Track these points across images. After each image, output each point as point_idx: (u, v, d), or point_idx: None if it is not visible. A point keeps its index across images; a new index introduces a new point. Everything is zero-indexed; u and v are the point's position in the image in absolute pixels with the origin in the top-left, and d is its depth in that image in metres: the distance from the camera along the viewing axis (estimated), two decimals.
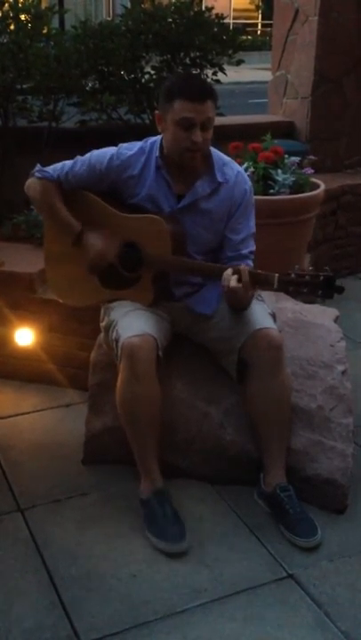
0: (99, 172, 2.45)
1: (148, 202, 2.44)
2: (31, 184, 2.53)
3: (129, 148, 2.47)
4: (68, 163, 2.50)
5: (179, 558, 2.21)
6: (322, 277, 2.19)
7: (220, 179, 2.44)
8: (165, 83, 2.47)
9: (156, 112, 2.41)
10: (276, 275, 2.23)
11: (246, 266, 2.31)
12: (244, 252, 2.50)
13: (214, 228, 2.48)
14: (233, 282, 2.25)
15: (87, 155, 2.49)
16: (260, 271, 2.28)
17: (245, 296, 2.29)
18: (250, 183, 2.54)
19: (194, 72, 2.28)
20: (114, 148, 2.48)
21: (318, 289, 2.20)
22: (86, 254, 2.48)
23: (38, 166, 2.52)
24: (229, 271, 2.28)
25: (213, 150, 2.47)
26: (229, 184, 2.46)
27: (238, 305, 2.37)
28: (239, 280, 2.25)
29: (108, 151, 2.47)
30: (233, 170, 2.50)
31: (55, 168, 2.50)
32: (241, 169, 2.56)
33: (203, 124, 2.31)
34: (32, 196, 2.55)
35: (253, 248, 2.54)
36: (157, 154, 2.42)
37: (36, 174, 2.50)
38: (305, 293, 2.22)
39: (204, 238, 2.49)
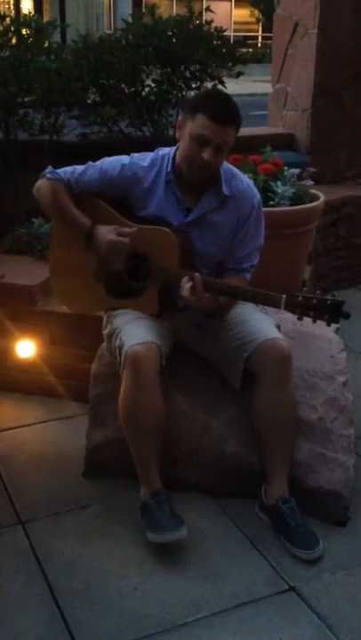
0: (109, 180, 2.45)
1: (157, 215, 2.43)
2: (41, 185, 2.50)
3: (141, 160, 2.46)
4: (80, 167, 2.49)
5: (181, 562, 2.21)
6: (329, 302, 2.18)
7: (226, 192, 2.43)
8: (198, 93, 2.45)
9: (179, 117, 2.41)
10: (284, 296, 2.22)
11: (200, 275, 2.30)
12: (245, 265, 2.51)
13: (222, 241, 2.47)
14: (185, 291, 2.27)
15: (99, 161, 2.49)
16: (268, 292, 2.27)
17: (201, 305, 2.31)
18: (259, 196, 2.52)
19: (225, 93, 2.29)
20: (126, 157, 2.48)
21: (325, 313, 2.18)
22: (98, 247, 2.42)
23: (50, 168, 2.51)
24: (185, 279, 2.29)
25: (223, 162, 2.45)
26: (237, 197, 2.45)
27: (202, 311, 2.39)
28: (193, 289, 2.27)
29: (121, 160, 2.46)
30: (242, 182, 2.48)
31: (66, 171, 2.49)
32: (250, 182, 2.54)
33: (218, 146, 2.29)
34: (42, 196, 2.51)
35: (255, 262, 2.54)
36: (169, 168, 2.42)
37: (47, 175, 2.49)
38: (311, 316, 2.20)
39: (212, 252, 2.48)
